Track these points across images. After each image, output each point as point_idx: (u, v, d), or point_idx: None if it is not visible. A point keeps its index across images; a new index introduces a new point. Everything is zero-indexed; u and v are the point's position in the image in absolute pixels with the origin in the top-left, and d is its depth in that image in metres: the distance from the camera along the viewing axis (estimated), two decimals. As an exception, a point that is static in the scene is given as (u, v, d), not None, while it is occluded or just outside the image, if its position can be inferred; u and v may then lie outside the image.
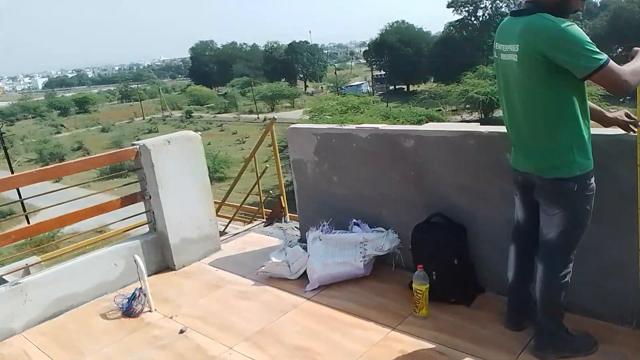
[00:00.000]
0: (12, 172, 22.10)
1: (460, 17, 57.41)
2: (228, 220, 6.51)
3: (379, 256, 3.34)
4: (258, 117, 50.34)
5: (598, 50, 1.97)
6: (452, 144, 3.03)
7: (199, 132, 4.13)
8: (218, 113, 58.34)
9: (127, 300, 3.26)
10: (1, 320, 3.10)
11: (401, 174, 3.30)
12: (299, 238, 4.10)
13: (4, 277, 4.23)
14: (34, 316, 3.23)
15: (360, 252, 3.33)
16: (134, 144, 3.76)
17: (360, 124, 3.95)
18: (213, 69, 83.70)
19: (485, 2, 56.30)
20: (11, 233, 3.36)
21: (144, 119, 59.10)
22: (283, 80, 65.18)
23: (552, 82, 2.08)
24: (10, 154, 26.05)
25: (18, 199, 14.36)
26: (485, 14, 56.58)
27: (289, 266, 3.49)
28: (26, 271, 4.30)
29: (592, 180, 2.19)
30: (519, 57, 2.10)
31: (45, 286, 3.29)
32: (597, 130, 2.35)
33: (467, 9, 57.02)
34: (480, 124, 3.22)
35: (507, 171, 2.54)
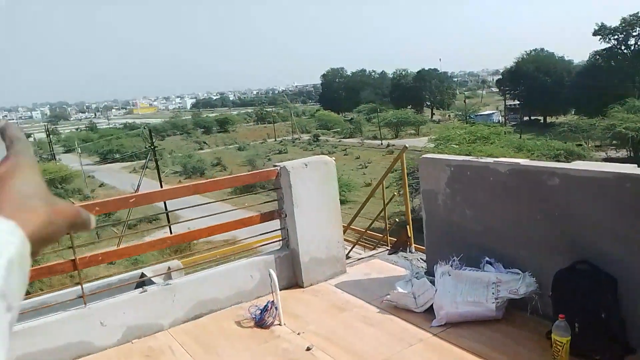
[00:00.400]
0: (161, 182, 24.79)
1: (608, 45, 52.65)
2: (352, 245, 6.61)
3: (512, 300, 3.16)
4: (381, 143, 50.64)
5: None
6: (605, 186, 2.80)
7: (333, 157, 4.31)
8: (343, 137, 59.83)
9: (260, 311, 3.47)
10: (153, 315, 3.50)
11: (543, 213, 3.12)
12: (425, 270, 4.04)
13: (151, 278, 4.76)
14: (180, 315, 3.58)
15: (493, 293, 3.19)
16: (275, 165, 4.04)
17: (490, 155, 3.82)
18: (341, 95, 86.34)
19: (639, 30, 50.95)
20: (167, 238, 3.80)
21: (275, 140, 62.75)
22: (409, 107, 64.97)
23: None
24: (160, 166, 29.23)
25: (164, 209, 15.91)
26: (638, 43, 51.19)
27: (415, 298, 3.46)
28: (168, 275, 4.79)
29: None
30: None
31: (190, 289, 3.64)
32: None
33: (616, 37, 52.10)
34: (639, 165, 2.93)
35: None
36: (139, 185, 23.47)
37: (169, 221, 15.82)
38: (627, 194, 2.69)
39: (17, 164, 0.47)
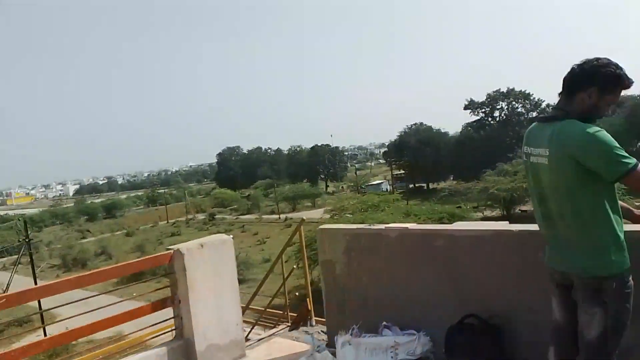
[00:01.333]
0: (35, 278, 22.17)
1: (477, 117, 59.62)
2: (251, 325, 6.35)
3: (412, 361, 3.20)
4: (279, 217, 50.82)
5: (627, 154, 2.04)
6: (484, 243, 3.03)
7: (231, 235, 4.20)
8: (241, 214, 59.22)
9: (153, 412, 3.13)
10: None
11: (433, 274, 3.27)
12: (326, 342, 3.97)
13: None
14: None
15: (392, 357, 3.21)
16: (168, 249, 3.83)
17: (382, 221, 4.01)
18: (238, 173, 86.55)
19: (502, 104, 58.71)
20: (42, 341, 3.35)
21: (167, 222, 60.24)
22: (305, 181, 66.87)
23: (584, 184, 2.12)
24: (35, 260, 26.36)
25: (38, 308, 14.21)
26: (502, 115, 58.70)
27: (319, 373, 3.36)
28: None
29: (630, 277, 2.15)
30: (550, 160, 2.17)
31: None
32: (630, 227, 2.35)
33: (483, 110, 59.39)
34: (509, 222, 3.24)
35: (541, 270, 2.51)
36: (8, 284, 20.87)
37: (43, 322, 14.11)
38: (502, 249, 2.94)
39: None
